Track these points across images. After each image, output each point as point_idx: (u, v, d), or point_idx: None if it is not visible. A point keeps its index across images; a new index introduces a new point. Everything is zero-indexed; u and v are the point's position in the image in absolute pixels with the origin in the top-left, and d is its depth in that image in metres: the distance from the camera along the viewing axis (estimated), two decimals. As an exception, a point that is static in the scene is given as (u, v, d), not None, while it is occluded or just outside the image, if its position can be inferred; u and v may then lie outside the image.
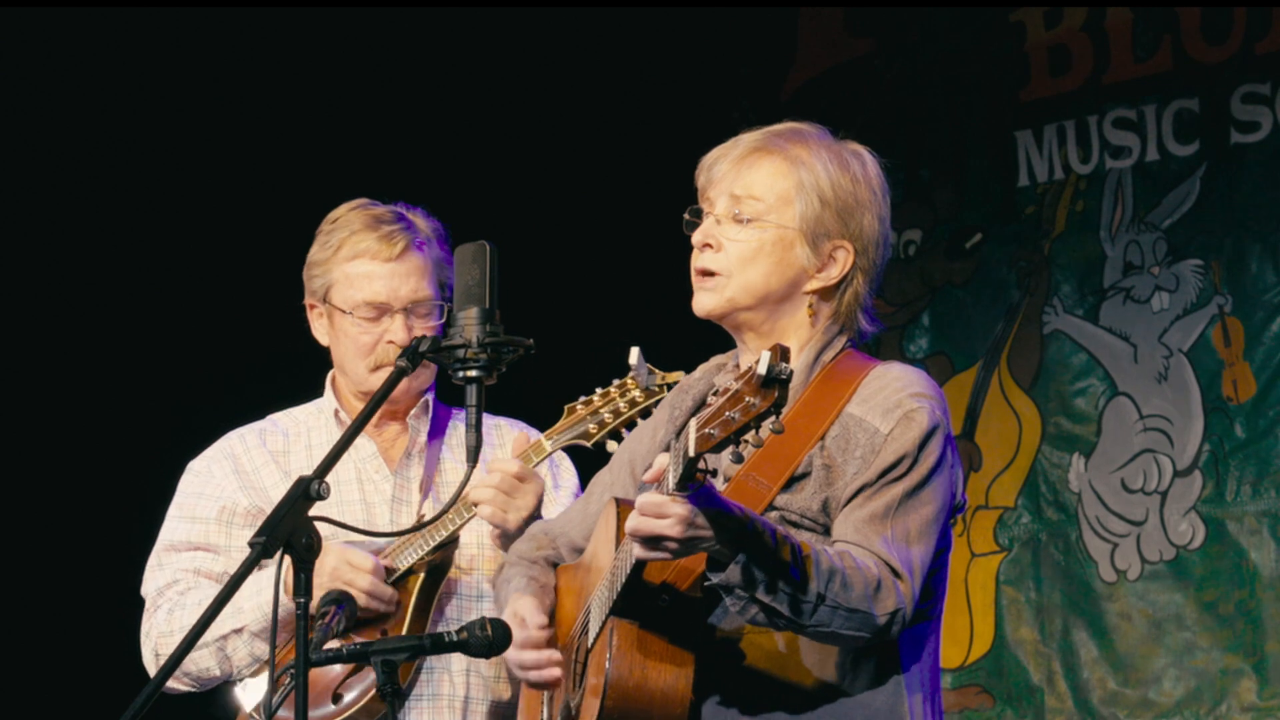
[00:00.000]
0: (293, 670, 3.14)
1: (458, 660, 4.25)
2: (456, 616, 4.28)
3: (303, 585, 3.16)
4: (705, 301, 3.51)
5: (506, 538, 4.13)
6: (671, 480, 3.05)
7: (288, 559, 4.08)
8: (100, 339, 6.88)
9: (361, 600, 4.11)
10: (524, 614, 3.61)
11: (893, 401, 3.40)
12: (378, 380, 4.28)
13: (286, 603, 4.09)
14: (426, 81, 7.18)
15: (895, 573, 3.29)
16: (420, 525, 4.16)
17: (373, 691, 4.12)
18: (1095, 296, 6.89)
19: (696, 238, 3.52)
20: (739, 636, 3.37)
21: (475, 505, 4.16)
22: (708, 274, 3.50)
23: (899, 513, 3.34)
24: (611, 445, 4.11)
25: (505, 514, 4.13)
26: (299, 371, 4.69)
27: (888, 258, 3.56)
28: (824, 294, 3.50)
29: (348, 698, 4.17)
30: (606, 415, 4.19)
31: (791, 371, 2.94)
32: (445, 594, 4.28)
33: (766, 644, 3.37)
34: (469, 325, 3.41)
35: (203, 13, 6.86)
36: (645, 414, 4.14)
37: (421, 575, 4.22)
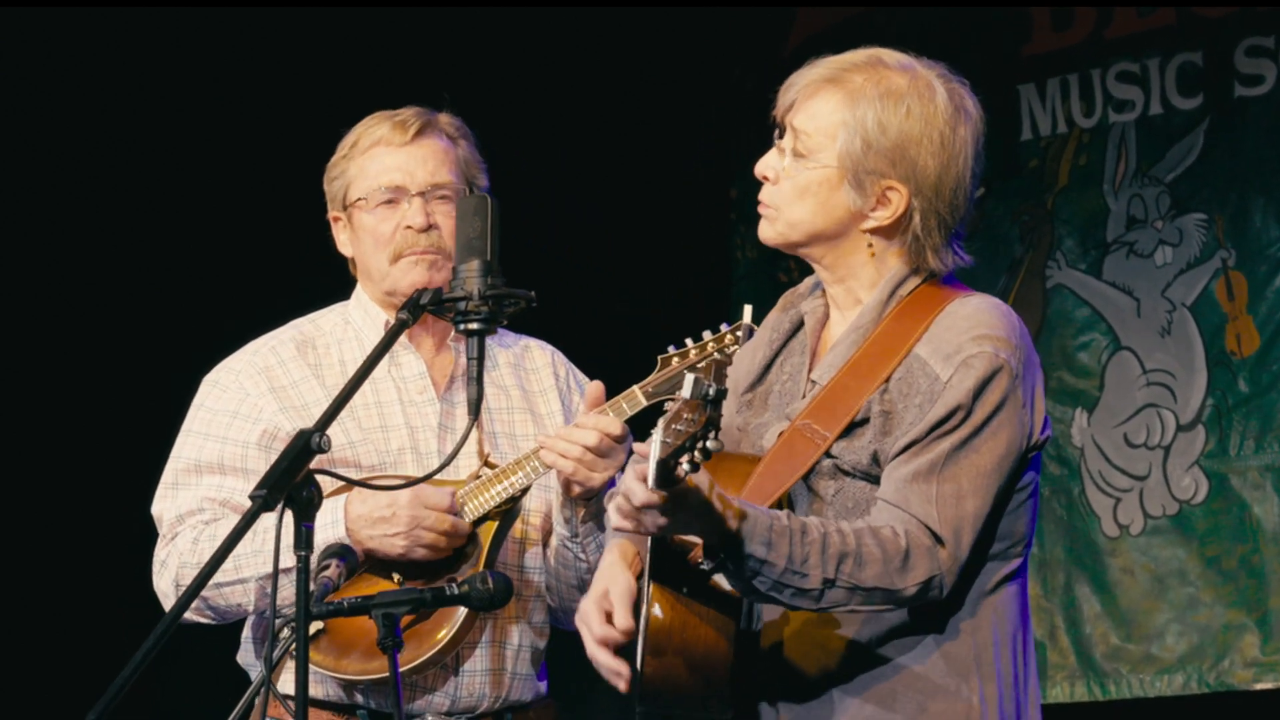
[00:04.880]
0: (293, 624, 3.13)
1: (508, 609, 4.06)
2: (535, 565, 4.14)
3: (303, 539, 3.13)
4: (762, 231, 3.43)
5: (592, 498, 3.99)
6: (651, 478, 2.96)
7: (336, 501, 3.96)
8: (95, 334, 6.87)
9: (442, 543, 3.95)
10: (614, 598, 3.35)
11: (955, 345, 3.26)
12: (400, 274, 4.09)
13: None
14: (418, 45, 7.16)
15: (935, 537, 3.17)
16: (433, 472, 3.89)
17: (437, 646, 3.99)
18: (1098, 251, 6.87)
19: (757, 169, 3.43)
20: None
21: (548, 468, 3.98)
22: (767, 204, 3.43)
23: (947, 468, 3.20)
24: None
25: (591, 474, 3.96)
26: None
27: (971, 194, 3.40)
28: (884, 233, 3.37)
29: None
30: (703, 367, 3.99)
31: (719, 390, 2.89)
32: (514, 538, 4.13)
33: None
34: (470, 278, 3.41)
35: (203, 13, 6.83)
36: None
37: (496, 523, 4.04)
